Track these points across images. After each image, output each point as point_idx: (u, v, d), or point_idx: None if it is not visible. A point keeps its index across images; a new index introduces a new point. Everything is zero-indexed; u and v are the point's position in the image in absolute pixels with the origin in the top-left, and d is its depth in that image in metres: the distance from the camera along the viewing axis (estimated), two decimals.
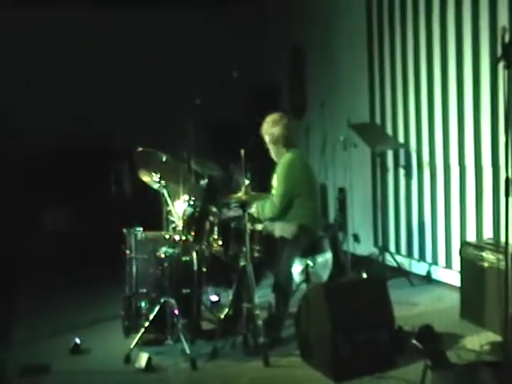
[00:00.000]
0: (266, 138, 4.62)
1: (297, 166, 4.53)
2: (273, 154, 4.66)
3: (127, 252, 4.48)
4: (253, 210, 4.50)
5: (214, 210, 4.43)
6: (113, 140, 7.51)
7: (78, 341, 4.23)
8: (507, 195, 3.55)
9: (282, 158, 4.57)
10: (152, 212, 4.66)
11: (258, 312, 4.01)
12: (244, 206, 4.11)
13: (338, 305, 3.71)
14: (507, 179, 3.57)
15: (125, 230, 4.50)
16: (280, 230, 4.43)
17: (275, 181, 4.55)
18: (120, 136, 7.38)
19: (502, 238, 4.21)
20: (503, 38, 3.57)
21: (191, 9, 8.06)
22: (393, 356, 3.68)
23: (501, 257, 4.02)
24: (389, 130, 6.08)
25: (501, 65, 3.59)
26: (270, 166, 4.71)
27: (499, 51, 3.72)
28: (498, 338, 3.93)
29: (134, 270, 4.44)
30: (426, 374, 2.84)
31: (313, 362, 3.80)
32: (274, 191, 4.56)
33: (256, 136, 4.64)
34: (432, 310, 4.78)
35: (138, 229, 4.49)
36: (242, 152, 4.12)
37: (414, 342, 3.63)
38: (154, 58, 8.00)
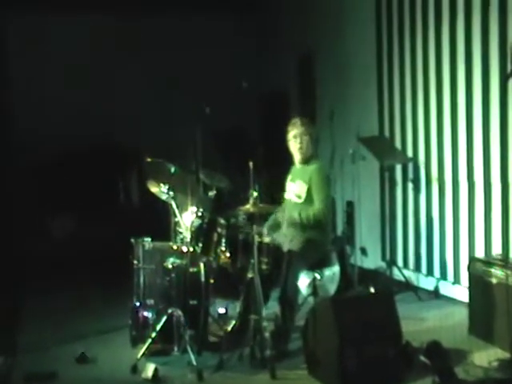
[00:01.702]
0: (305, 138, 4.57)
1: (328, 175, 4.61)
2: (303, 155, 4.60)
3: (135, 262, 4.49)
4: (295, 216, 4.46)
5: (222, 221, 4.44)
6: (122, 148, 7.54)
7: (84, 352, 4.23)
8: None
9: (313, 164, 4.59)
10: (160, 222, 4.68)
11: (265, 324, 4.01)
12: (252, 218, 4.12)
13: (345, 319, 3.70)
14: None
15: (132, 240, 4.51)
16: (288, 242, 4.43)
17: (305, 185, 4.51)
18: (129, 143, 7.40)
19: (511, 254, 4.22)
20: None
21: (203, 16, 8.09)
22: (400, 372, 3.66)
23: (509, 273, 4.00)
24: (398, 144, 6.09)
25: (511, 81, 3.60)
26: (277, 178, 4.71)
27: (509, 67, 3.73)
28: (506, 354, 3.90)
29: (142, 280, 4.45)
30: None
31: (320, 376, 3.78)
32: (298, 197, 4.54)
33: (265, 147, 4.65)
34: (440, 326, 4.75)
35: (145, 239, 4.50)
36: (251, 164, 4.13)
37: (422, 358, 3.61)
38: (165, 66, 8.01)
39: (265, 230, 4.54)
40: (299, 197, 4.55)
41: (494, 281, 4.23)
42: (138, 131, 7.65)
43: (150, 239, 4.52)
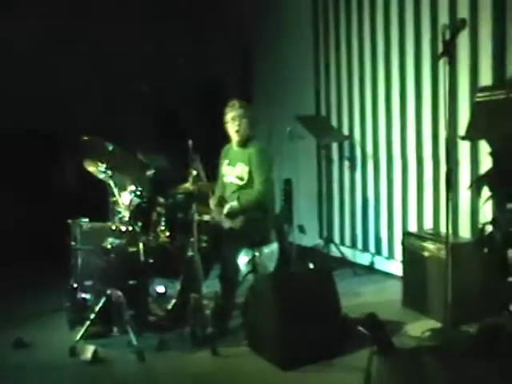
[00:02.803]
0: (243, 121, 4.55)
1: (271, 156, 4.61)
2: (240, 138, 4.59)
3: (72, 243, 4.40)
4: (234, 203, 4.46)
5: (161, 200, 4.40)
6: (56, 128, 7.30)
7: (20, 336, 4.12)
8: (448, 187, 3.69)
9: (252, 146, 4.58)
10: (98, 203, 4.59)
11: (205, 302, 4.02)
12: (191, 196, 4.10)
13: (285, 295, 3.75)
14: (448, 171, 3.71)
15: (69, 221, 4.41)
16: (229, 221, 4.44)
17: (246, 167, 4.52)
18: (64, 124, 7.17)
19: (442, 229, 4.38)
20: (444, 35, 3.70)
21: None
22: (339, 344, 3.75)
23: (441, 246, 4.16)
24: (334, 123, 6.18)
25: (441, 60, 3.72)
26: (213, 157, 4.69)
27: (440, 48, 3.85)
28: (438, 324, 4.07)
29: (80, 261, 4.36)
30: (372, 359, 2.92)
31: (261, 351, 3.83)
32: (240, 179, 4.54)
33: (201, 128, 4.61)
34: (376, 299, 4.89)
35: (83, 219, 4.41)
36: (190, 143, 4.10)
37: (360, 328, 3.72)
38: (100, 42, 7.75)
39: (212, 206, 4.54)
40: (241, 179, 4.55)
41: (427, 254, 4.38)
42: (74, 111, 7.42)
43: (87, 220, 4.43)
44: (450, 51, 3.61)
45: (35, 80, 7.28)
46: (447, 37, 3.66)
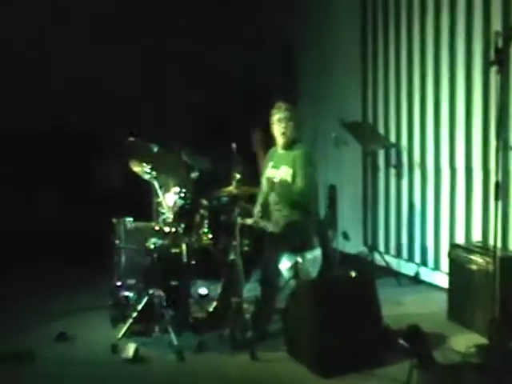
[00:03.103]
0: (289, 123, 4.55)
1: (316, 160, 4.62)
2: (286, 140, 4.58)
3: (116, 242, 4.46)
4: (272, 198, 4.46)
5: (205, 202, 4.42)
6: (104, 128, 7.43)
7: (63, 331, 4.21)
8: (496, 199, 3.58)
9: (297, 148, 4.57)
10: (143, 203, 4.64)
11: (245, 306, 4.02)
12: (235, 199, 4.11)
13: (325, 302, 3.72)
14: (497, 183, 3.60)
15: (114, 220, 4.48)
16: (271, 225, 4.43)
17: (290, 169, 4.51)
18: (111, 124, 7.29)
19: (491, 241, 4.26)
20: (496, 43, 3.61)
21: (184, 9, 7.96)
22: (379, 354, 3.69)
23: (489, 259, 4.04)
24: (381, 130, 6.10)
25: (493, 69, 3.62)
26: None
27: (492, 56, 3.75)
28: (484, 340, 3.95)
29: (123, 260, 4.43)
30: (412, 373, 2.85)
31: (299, 357, 3.80)
32: (285, 182, 4.53)
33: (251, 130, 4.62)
34: (419, 311, 4.79)
35: (127, 219, 4.47)
36: (234, 146, 4.11)
37: (401, 341, 3.65)
38: (146, 48, 7.86)
39: (256, 211, 4.56)
40: (286, 182, 4.54)
41: (474, 267, 4.27)
42: (122, 112, 7.53)
43: (131, 219, 4.49)
44: (501, 60, 3.51)
45: (87, 82, 7.43)
46: (499, 45, 3.57)
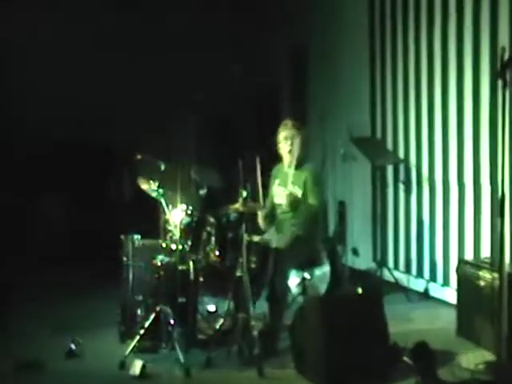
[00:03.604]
0: (295, 141, 4.55)
1: (321, 177, 4.66)
2: (292, 158, 4.59)
3: (124, 259, 4.49)
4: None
5: (212, 220, 4.44)
6: (114, 141, 7.47)
7: (73, 345, 4.23)
8: (502, 213, 3.57)
9: (305, 168, 4.60)
10: (150, 219, 4.67)
11: (253, 323, 4.01)
12: (241, 216, 4.13)
13: (332, 318, 3.71)
14: (502, 198, 3.59)
15: (122, 237, 4.51)
16: (276, 240, 4.43)
17: (300, 190, 4.54)
18: (120, 136, 7.33)
19: (499, 257, 4.22)
20: (502, 57, 3.62)
21: (193, 8, 7.97)
22: (386, 371, 3.67)
23: (497, 276, 4.02)
24: (389, 145, 6.11)
25: (500, 84, 3.63)
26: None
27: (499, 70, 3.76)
28: (493, 357, 3.91)
29: (131, 276, 4.45)
30: None
31: (307, 374, 3.79)
32: (294, 195, 4.53)
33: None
34: (428, 327, 4.77)
35: (135, 236, 4.50)
36: (240, 163, 4.14)
37: (405, 358, 3.63)
38: (152, 58, 7.88)
39: (261, 220, 4.60)
40: (296, 196, 4.54)
41: (482, 283, 4.24)
42: (130, 126, 7.56)
43: (139, 236, 4.52)
44: (506, 73, 3.52)
45: (99, 97, 7.49)
46: (505, 59, 3.58)
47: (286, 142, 4.56)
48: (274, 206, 4.73)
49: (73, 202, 7.27)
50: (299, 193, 4.52)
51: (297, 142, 4.55)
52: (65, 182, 7.19)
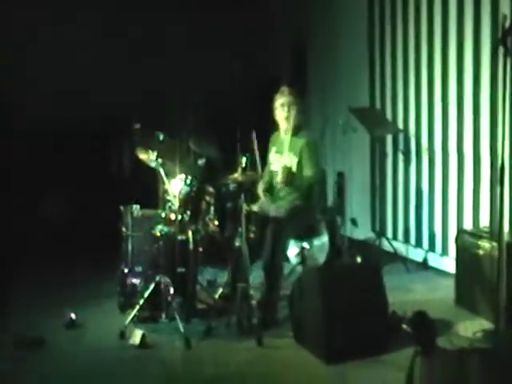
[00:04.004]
0: (292, 108, 4.49)
1: (319, 147, 4.63)
2: (289, 125, 4.51)
3: (123, 229, 4.49)
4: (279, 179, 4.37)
5: (211, 190, 4.43)
6: (112, 116, 7.42)
7: (73, 316, 4.25)
8: (502, 182, 3.55)
9: (303, 136, 4.53)
10: (149, 190, 4.66)
11: (252, 292, 4.03)
12: (240, 186, 4.11)
13: (331, 288, 3.72)
14: (502, 167, 3.57)
15: (121, 208, 4.50)
16: (274, 210, 4.42)
17: (295, 158, 4.48)
18: (119, 112, 7.28)
19: (498, 227, 4.23)
20: (503, 25, 3.57)
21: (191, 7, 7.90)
22: (385, 341, 3.70)
23: (496, 245, 4.02)
24: (388, 115, 6.07)
25: (501, 52, 3.59)
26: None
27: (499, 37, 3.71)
28: (491, 325, 3.94)
29: (130, 247, 4.45)
30: (415, 359, 2.85)
31: (306, 343, 3.82)
32: (290, 165, 4.46)
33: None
34: (427, 297, 4.79)
35: (134, 206, 4.49)
36: (238, 131, 4.11)
37: (405, 326, 3.65)
38: (155, 44, 7.82)
39: (260, 192, 4.57)
40: (288, 169, 4.50)
41: (481, 253, 4.25)
42: (128, 98, 7.51)
43: (138, 207, 4.51)
44: (507, 41, 3.48)
45: (97, 80, 7.41)
46: (506, 27, 3.53)
47: (283, 109, 4.51)
48: (272, 175, 4.69)
49: (73, 183, 7.24)
50: (295, 161, 4.47)
51: (293, 108, 4.50)
52: (63, 159, 7.15)
